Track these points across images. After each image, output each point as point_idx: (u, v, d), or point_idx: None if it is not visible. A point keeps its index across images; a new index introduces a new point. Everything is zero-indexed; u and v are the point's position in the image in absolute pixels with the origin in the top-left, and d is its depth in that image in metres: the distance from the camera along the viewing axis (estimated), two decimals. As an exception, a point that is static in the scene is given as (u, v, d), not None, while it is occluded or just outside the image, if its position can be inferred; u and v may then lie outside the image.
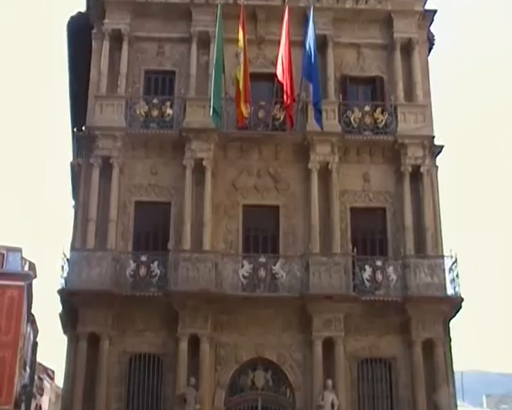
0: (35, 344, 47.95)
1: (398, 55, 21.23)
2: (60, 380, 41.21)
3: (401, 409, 18.25)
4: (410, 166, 19.81)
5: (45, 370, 61.20)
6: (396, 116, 20.32)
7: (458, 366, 19.05)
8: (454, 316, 18.78)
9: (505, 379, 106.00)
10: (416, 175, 19.84)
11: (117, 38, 21.11)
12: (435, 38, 22.27)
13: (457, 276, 18.58)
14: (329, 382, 17.53)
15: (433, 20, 22.03)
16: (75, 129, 21.66)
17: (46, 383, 61.94)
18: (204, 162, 19.57)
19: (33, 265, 42.32)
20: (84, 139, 20.28)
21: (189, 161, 19.62)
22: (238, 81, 19.53)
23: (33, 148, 69.10)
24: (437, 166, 20.36)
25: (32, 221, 62.70)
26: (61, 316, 19.09)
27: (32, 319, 47.87)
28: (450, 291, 18.58)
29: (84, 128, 20.45)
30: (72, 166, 21.41)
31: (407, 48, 21.36)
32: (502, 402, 60.30)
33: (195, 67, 20.84)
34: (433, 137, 20.27)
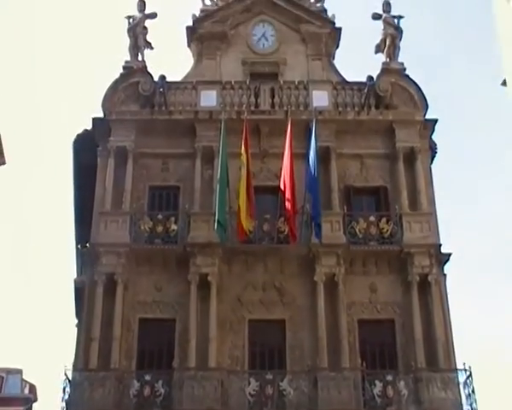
0: None
1: (400, 165, 21.34)
2: None
3: None
4: (418, 275, 19.54)
5: None
6: (401, 225, 20.22)
7: None
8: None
9: None
10: (424, 285, 19.53)
11: (122, 155, 21.38)
12: (437, 146, 22.50)
13: (473, 391, 17.97)
14: None
15: (434, 129, 22.27)
16: (79, 245, 21.65)
17: None
18: (209, 277, 19.40)
19: (34, 387, 41.55)
20: (88, 256, 20.23)
21: (193, 276, 19.46)
22: (241, 194, 19.60)
23: (35, 265, 68.85)
24: (445, 275, 20.09)
25: (33, 340, 61.96)
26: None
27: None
28: (466, 408, 17.93)
29: (88, 244, 20.44)
30: (76, 283, 21.27)
31: (410, 157, 21.49)
32: None
33: (200, 181, 20.99)
34: (440, 245, 20.11)
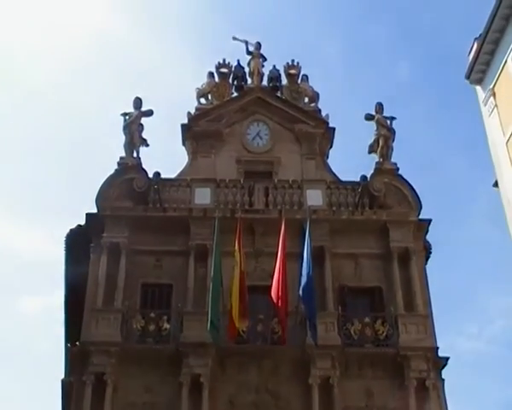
0: None
1: (395, 265, 21.28)
2: None
3: None
4: (415, 379, 19.19)
5: None
6: (397, 327, 20.00)
7: None
8: None
9: None
10: (422, 389, 19.14)
11: (115, 251, 21.21)
12: (432, 247, 22.52)
13: None
14: None
15: (428, 230, 22.32)
16: (69, 344, 21.18)
17: None
18: (201, 378, 18.97)
19: None
20: (77, 354, 19.73)
21: (185, 377, 19.03)
22: (234, 294, 19.36)
23: (22, 365, 66.51)
24: (443, 380, 19.72)
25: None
26: None
27: None
28: None
29: (78, 343, 19.99)
30: (64, 383, 20.70)
31: (404, 257, 21.47)
32: None
33: (193, 280, 20.78)
34: (437, 348, 19.85)
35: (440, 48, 58.73)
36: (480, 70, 25.06)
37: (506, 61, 23.73)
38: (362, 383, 19.53)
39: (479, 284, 56.35)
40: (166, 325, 19.99)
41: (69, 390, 19.78)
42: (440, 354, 19.87)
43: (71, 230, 22.33)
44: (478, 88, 25.63)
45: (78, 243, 21.87)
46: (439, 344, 20.05)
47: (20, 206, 57.52)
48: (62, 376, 22.19)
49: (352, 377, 19.54)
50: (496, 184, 24.38)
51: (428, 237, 22.48)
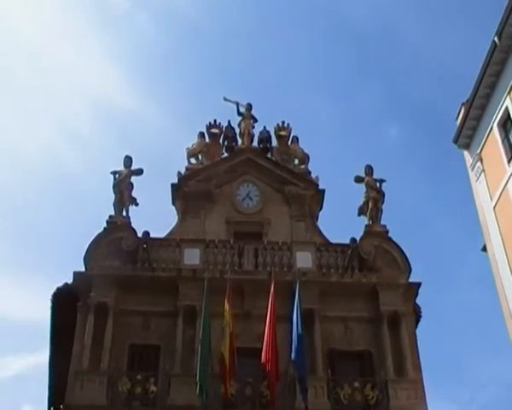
0: None
1: (385, 329, 21.13)
2: None
3: None
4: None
5: None
6: (387, 392, 19.76)
7: None
8: None
9: None
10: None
11: (102, 311, 20.92)
12: (421, 310, 22.44)
13: None
14: None
15: (418, 293, 22.28)
16: (52, 408, 20.75)
17: None
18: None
19: None
20: (61, 420, 19.37)
21: (173, 441, 18.62)
22: (223, 356, 19.12)
23: None
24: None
25: None
26: None
27: None
28: None
29: (61, 407, 19.59)
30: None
31: (394, 320, 21.33)
32: None
33: (181, 341, 20.47)
34: (428, 415, 19.63)
35: (430, 112, 59.73)
36: (467, 135, 25.50)
37: (492, 128, 24.14)
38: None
39: (470, 349, 56.10)
40: (153, 388, 19.62)
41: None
42: (433, 421, 19.65)
43: (58, 288, 22.03)
44: (465, 153, 26.03)
45: (66, 302, 21.57)
46: (430, 410, 19.82)
47: (6, 264, 57.03)
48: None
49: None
50: (484, 249, 24.54)
51: (418, 300, 22.43)
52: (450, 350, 54.19)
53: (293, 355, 19.34)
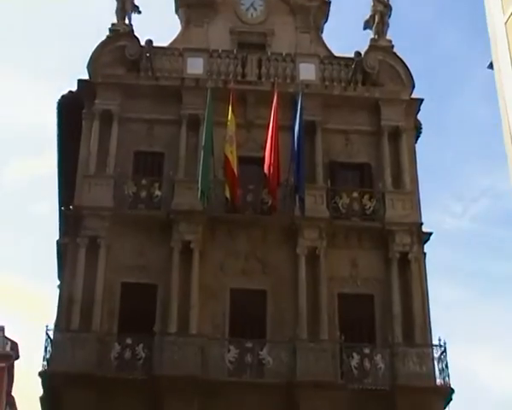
0: (13, 428, 46.19)
1: (385, 143, 21.50)
2: None
3: None
4: (398, 252, 19.84)
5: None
6: (384, 203, 20.46)
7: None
8: (444, 407, 18.49)
9: None
10: (404, 262, 19.84)
11: (107, 118, 21.22)
12: (422, 126, 22.71)
13: (446, 366, 18.41)
14: None
15: (419, 109, 22.45)
16: (63, 207, 21.52)
17: None
18: (191, 245, 19.47)
19: (16, 344, 41.35)
20: (71, 218, 20.14)
21: (176, 243, 19.51)
22: (229, 160, 19.58)
23: (19, 224, 68.09)
24: (425, 253, 20.42)
25: (15, 299, 61.54)
26: (42, 400, 18.47)
27: (11, 402, 46.18)
28: (439, 381, 18.37)
29: (71, 207, 20.34)
30: (59, 245, 21.18)
31: (395, 135, 21.67)
32: None
33: (184, 149, 20.93)
34: (421, 224, 20.42)
35: None
36: None
37: None
38: (347, 254, 20.17)
39: (466, 164, 57.25)
40: (158, 192, 20.32)
41: (64, 252, 20.25)
42: (424, 229, 20.45)
43: (63, 96, 22.19)
44: (478, -36, 25.12)
45: (71, 110, 21.80)
46: (423, 221, 20.61)
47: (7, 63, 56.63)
48: (57, 238, 22.61)
49: (338, 248, 20.13)
50: (491, 66, 24.33)
51: (419, 117, 22.64)
52: (447, 165, 55.38)
53: (293, 165, 19.86)
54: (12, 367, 41.70)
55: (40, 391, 18.30)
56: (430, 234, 20.38)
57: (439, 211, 52.48)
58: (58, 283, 22.31)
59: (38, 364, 18.02)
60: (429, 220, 21.00)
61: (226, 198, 19.86)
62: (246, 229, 20.10)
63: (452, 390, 18.30)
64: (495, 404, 49.73)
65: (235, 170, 19.59)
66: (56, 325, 18.62)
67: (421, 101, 22.29)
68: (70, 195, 20.78)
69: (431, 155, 51.71)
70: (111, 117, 21.24)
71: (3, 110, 58.68)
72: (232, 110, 20.11)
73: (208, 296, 19.33)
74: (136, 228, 19.88)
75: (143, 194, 20.28)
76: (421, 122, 22.64)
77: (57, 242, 21.51)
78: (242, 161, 20.22)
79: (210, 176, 19.59)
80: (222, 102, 20.30)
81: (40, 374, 17.92)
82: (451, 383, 18.39)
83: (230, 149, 19.74)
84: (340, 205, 20.48)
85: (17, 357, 41.48)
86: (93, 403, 17.55)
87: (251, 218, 20.15)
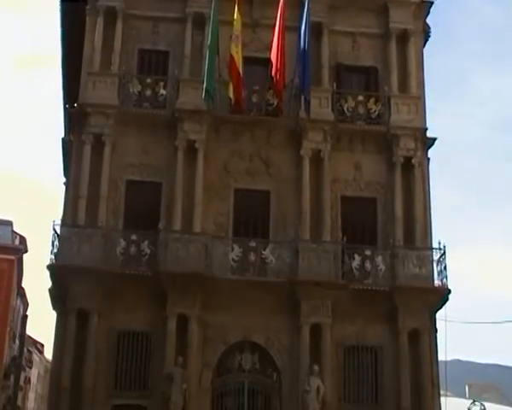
0: (25, 317, 47.81)
1: (393, 46, 21.22)
2: (49, 353, 41.24)
3: (385, 396, 18.45)
4: (402, 157, 19.92)
5: (34, 343, 61.23)
6: (389, 107, 20.38)
7: (441, 355, 19.28)
8: (440, 307, 18.99)
9: (487, 368, 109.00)
10: (408, 166, 19.94)
11: (111, 15, 20.86)
12: (431, 29, 22.36)
13: (445, 268, 18.81)
14: (316, 367, 17.59)
15: (429, 12, 22.05)
16: (67, 105, 21.42)
17: (35, 356, 62.10)
18: (196, 144, 19.50)
19: (24, 239, 42.09)
20: (76, 116, 20.10)
21: (181, 141, 19.55)
22: (234, 59, 19.39)
23: (25, 121, 68.13)
24: (429, 158, 20.49)
25: (23, 195, 62.29)
26: (51, 291, 18.97)
27: (22, 293, 47.78)
28: (437, 282, 18.77)
29: (76, 104, 20.26)
30: (64, 142, 21.21)
31: (402, 38, 21.36)
32: (484, 391, 61.33)
33: (190, 47, 20.68)
34: (426, 129, 20.41)
35: None
36: None
37: None
38: (351, 157, 20.26)
39: (474, 70, 56.54)
40: (163, 91, 20.19)
41: (69, 149, 20.30)
42: (429, 134, 20.44)
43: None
44: None
45: (74, 6, 21.39)
46: (429, 126, 20.61)
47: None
48: (62, 135, 22.62)
49: (342, 151, 20.21)
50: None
51: (428, 20, 22.26)
52: (455, 70, 54.78)
53: (298, 66, 19.68)
54: (21, 260, 42.57)
55: (49, 283, 18.73)
56: (434, 139, 20.40)
57: (446, 114, 52.23)
58: (64, 180, 22.46)
59: (47, 258, 18.40)
60: (436, 126, 20.96)
61: (230, 98, 19.76)
62: (250, 130, 20.09)
63: (449, 291, 18.73)
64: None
65: (241, 70, 19.42)
66: (63, 220, 18.88)
67: (430, 3, 21.87)
68: (74, 92, 20.63)
69: (439, 60, 51.07)
70: (115, 14, 20.88)
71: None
72: (238, 9, 19.78)
73: (212, 196, 19.53)
74: (140, 126, 19.88)
75: (148, 92, 20.16)
76: (430, 26, 22.27)
77: (62, 139, 21.53)
78: (248, 61, 20.04)
79: (215, 76, 19.44)
80: (227, 0, 19.92)
81: (48, 267, 18.28)
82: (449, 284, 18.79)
83: (236, 48, 19.52)
84: (345, 108, 20.42)
85: (26, 251, 42.26)
86: (99, 296, 18.03)
87: (255, 119, 20.12)
